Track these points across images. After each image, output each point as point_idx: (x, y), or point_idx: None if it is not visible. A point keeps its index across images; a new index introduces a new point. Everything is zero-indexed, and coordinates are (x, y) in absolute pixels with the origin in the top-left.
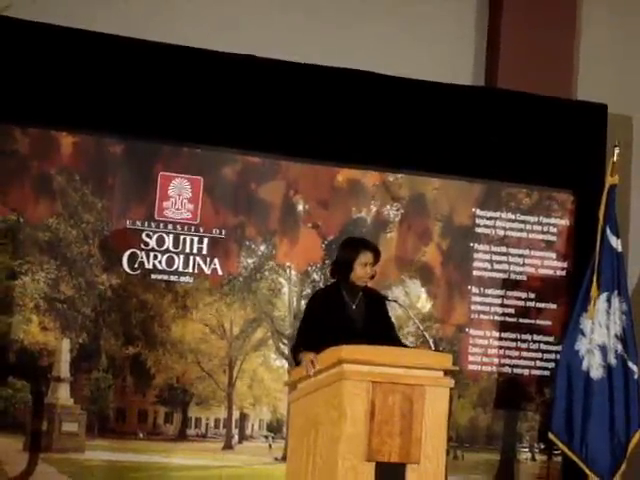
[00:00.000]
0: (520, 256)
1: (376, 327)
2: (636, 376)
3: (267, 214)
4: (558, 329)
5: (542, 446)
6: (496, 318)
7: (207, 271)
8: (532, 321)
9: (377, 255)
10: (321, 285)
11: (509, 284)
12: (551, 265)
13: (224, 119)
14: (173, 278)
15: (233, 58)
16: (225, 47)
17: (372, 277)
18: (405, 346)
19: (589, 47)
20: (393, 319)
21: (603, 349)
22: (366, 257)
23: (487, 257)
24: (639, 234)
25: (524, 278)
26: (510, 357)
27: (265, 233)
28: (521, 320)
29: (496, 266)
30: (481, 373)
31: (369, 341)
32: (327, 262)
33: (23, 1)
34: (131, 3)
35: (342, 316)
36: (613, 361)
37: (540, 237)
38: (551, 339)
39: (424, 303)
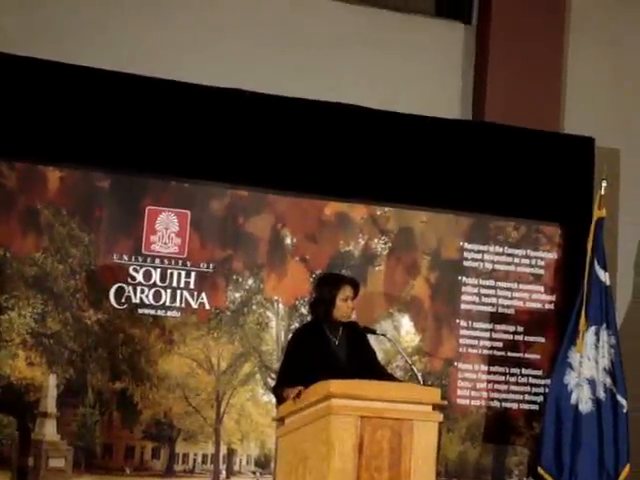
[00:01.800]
0: (508, 289)
1: (359, 361)
2: (625, 410)
3: (255, 248)
4: (546, 363)
5: None
6: (484, 352)
7: (194, 305)
8: (520, 355)
9: (356, 289)
10: (309, 319)
11: (497, 318)
12: (539, 298)
13: (211, 153)
14: (160, 312)
15: (221, 92)
16: (213, 81)
17: (352, 310)
18: (390, 375)
19: (576, 80)
20: (381, 353)
21: (592, 383)
22: (347, 292)
23: (475, 290)
24: (627, 267)
25: (512, 312)
26: (499, 391)
27: (253, 267)
28: (509, 354)
29: (484, 299)
30: (470, 407)
31: (353, 376)
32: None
33: (10, 35)
34: (118, 37)
35: (325, 352)
36: (602, 395)
37: (528, 270)
38: (540, 373)
39: (412, 337)
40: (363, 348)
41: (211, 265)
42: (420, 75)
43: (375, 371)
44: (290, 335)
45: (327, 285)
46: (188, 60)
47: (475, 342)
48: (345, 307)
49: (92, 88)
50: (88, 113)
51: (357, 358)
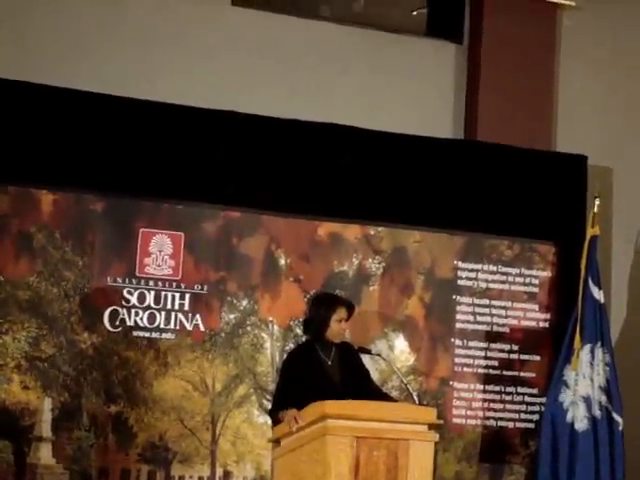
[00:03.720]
0: (503, 308)
1: (353, 381)
2: (621, 427)
3: (249, 269)
4: (542, 381)
5: None
6: (480, 371)
7: (189, 327)
8: (516, 373)
9: (351, 310)
10: (304, 339)
11: (492, 336)
12: (534, 317)
13: (205, 175)
14: (155, 335)
15: (214, 114)
16: (206, 104)
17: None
18: (385, 395)
19: (568, 99)
20: (377, 373)
21: (587, 401)
22: (342, 313)
23: (470, 309)
24: (621, 285)
25: (507, 330)
26: (494, 410)
27: (247, 288)
28: (505, 372)
29: (479, 318)
30: (466, 426)
31: (348, 396)
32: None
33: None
34: (110, 60)
35: (319, 374)
36: (597, 413)
37: (522, 289)
38: (535, 391)
39: (407, 356)
40: (357, 368)
41: (205, 287)
42: (412, 95)
43: (370, 391)
44: (284, 356)
45: (322, 305)
46: (181, 82)
47: (470, 361)
48: (338, 328)
49: (84, 111)
50: (80, 136)
51: (351, 378)
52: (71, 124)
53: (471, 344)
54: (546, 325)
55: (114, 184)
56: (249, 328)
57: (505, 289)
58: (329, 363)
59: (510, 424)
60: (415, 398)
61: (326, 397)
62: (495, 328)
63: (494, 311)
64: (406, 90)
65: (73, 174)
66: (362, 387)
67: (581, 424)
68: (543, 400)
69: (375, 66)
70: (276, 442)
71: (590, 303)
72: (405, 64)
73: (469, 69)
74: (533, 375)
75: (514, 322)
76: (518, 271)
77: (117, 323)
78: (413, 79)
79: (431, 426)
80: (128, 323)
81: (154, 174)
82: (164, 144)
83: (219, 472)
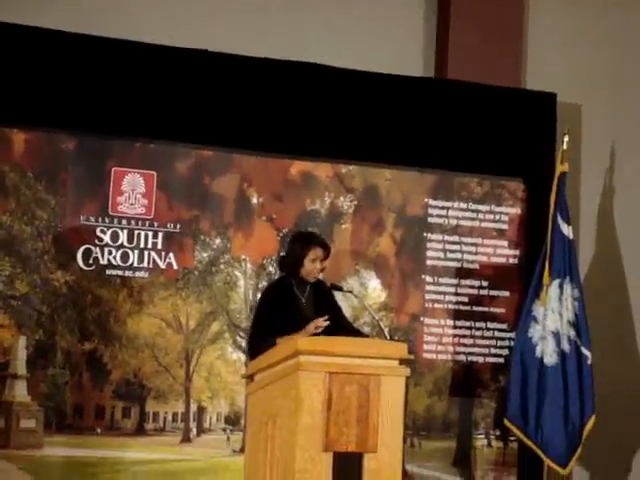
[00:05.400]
0: (473, 245)
1: (326, 318)
2: (589, 362)
3: (221, 208)
4: (511, 316)
5: (498, 433)
6: (450, 307)
7: (162, 266)
8: (486, 309)
9: (327, 250)
10: (276, 277)
11: (462, 273)
12: (503, 253)
13: (176, 114)
14: (128, 273)
15: (185, 53)
16: (177, 42)
17: (321, 271)
18: (357, 331)
19: (537, 37)
20: (349, 310)
21: (556, 335)
22: (316, 253)
23: (440, 246)
24: (590, 221)
25: (477, 266)
26: (464, 345)
27: (220, 227)
28: (475, 308)
29: (449, 255)
30: (436, 361)
31: (321, 333)
32: (282, 254)
33: None
34: None
35: (293, 309)
36: (566, 347)
37: (492, 226)
38: (505, 326)
39: (379, 293)
40: (329, 305)
41: (178, 225)
42: (383, 33)
43: (342, 327)
44: (262, 291)
45: (297, 243)
46: (152, 20)
47: (441, 297)
48: (312, 268)
49: (55, 50)
50: (51, 75)
51: (323, 315)
52: (42, 63)
53: (441, 280)
54: (515, 261)
55: (86, 123)
56: (222, 266)
57: (475, 226)
58: (303, 300)
59: (480, 359)
60: (386, 334)
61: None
62: (465, 265)
63: (464, 248)
64: (376, 28)
65: (44, 113)
66: (335, 324)
67: (550, 359)
68: (513, 335)
69: (346, 4)
70: (249, 378)
71: (559, 239)
72: (375, 2)
73: (439, 6)
74: (503, 310)
75: (484, 259)
76: (488, 208)
77: (90, 262)
78: (384, 17)
79: (402, 361)
80: (101, 262)
81: (126, 113)
82: (136, 83)
83: (193, 408)
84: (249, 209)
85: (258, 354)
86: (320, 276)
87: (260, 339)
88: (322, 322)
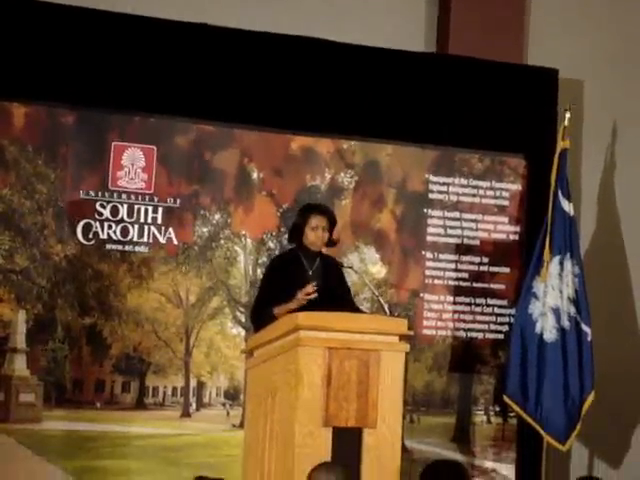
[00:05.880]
0: (473, 221)
1: (333, 293)
2: (589, 338)
3: (222, 183)
4: (511, 292)
5: (497, 409)
6: (450, 283)
7: (162, 240)
8: (486, 285)
9: (330, 219)
10: (277, 253)
11: (463, 249)
12: (504, 229)
13: (177, 88)
14: (128, 248)
15: (185, 26)
16: (177, 16)
17: (332, 244)
18: (361, 312)
19: (540, 12)
20: (349, 285)
21: (556, 312)
22: (316, 220)
23: (441, 223)
24: (591, 197)
25: (477, 243)
26: (464, 321)
27: (220, 202)
28: (475, 284)
29: (450, 231)
30: (436, 337)
31: (325, 307)
32: (282, 230)
33: None
34: None
35: (299, 281)
36: (566, 324)
37: (493, 202)
38: (505, 302)
39: (379, 269)
40: (337, 282)
41: (178, 200)
42: (384, 8)
43: (346, 304)
44: (268, 262)
45: (299, 212)
46: None
47: (441, 273)
48: (313, 236)
49: (55, 23)
50: (51, 48)
51: (330, 290)
52: (42, 36)
53: (442, 257)
54: (516, 237)
55: (86, 97)
56: (222, 241)
57: (476, 202)
58: (310, 273)
59: (480, 335)
60: (386, 310)
61: (303, 306)
62: (465, 241)
63: (465, 224)
64: (378, 3)
65: (44, 87)
66: (339, 300)
67: (550, 335)
68: (513, 311)
69: None
70: (249, 353)
71: (560, 215)
72: None
73: None
74: (503, 287)
75: (484, 235)
76: (489, 184)
77: (90, 236)
78: None
79: (402, 337)
80: (101, 236)
81: (126, 87)
82: (136, 57)
83: (193, 383)
84: (249, 184)
85: (259, 324)
86: (326, 251)
87: (260, 307)
88: (310, 289)
